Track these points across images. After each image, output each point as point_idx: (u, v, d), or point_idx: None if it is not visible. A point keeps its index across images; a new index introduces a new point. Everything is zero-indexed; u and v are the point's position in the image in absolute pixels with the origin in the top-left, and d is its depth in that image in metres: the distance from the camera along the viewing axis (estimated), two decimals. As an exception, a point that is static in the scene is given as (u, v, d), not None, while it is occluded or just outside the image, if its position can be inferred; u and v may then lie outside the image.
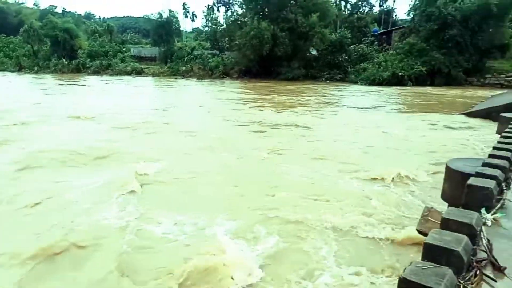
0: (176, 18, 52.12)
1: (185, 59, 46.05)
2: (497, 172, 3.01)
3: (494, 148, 3.99)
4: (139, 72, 46.45)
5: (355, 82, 34.43)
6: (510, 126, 5.28)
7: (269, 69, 39.56)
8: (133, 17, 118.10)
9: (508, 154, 3.70)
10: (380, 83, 32.21)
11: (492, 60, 34.27)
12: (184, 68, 44.34)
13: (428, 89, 29.33)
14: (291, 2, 38.79)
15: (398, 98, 24.17)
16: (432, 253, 1.80)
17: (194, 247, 4.86)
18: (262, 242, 5.04)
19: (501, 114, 8.81)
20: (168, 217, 5.75)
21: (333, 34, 40.55)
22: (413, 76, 31.98)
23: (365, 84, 32.86)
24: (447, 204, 4.23)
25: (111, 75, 45.64)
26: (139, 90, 29.88)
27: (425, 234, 2.48)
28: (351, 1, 72.96)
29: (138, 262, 4.59)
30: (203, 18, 50.82)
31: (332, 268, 4.48)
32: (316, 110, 17.98)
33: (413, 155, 9.68)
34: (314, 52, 39.77)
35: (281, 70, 38.29)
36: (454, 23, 31.23)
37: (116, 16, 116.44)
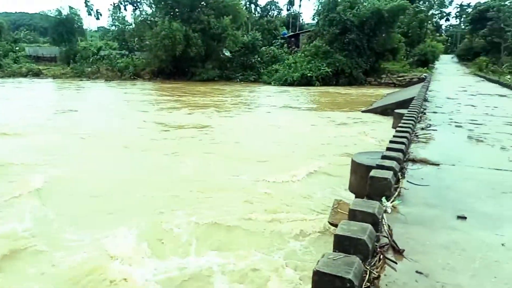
0: (78, 15, 48.30)
1: (91, 59, 42.94)
2: (393, 164, 3.35)
3: (391, 141, 4.43)
4: (36, 74, 41.96)
5: (269, 83, 35.58)
6: (402, 121, 5.92)
7: (183, 70, 38.90)
8: (27, 13, 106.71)
9: (402, 146, 4.15)
10: (291, 84, 33.76)
11: (386, 62, 38.25)
12: (89, 69, 41.30)
13: (334, 88, 31.62)
14: (202, 3, 38.63)
15: (307, 97, 25.59)
16: (342, 243, 1.93)
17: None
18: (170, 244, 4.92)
19: (395, 110, 9.90)
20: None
21: (245, 36, 41.40)
22: (320, 77, 34.12)
23: (277, 85, 34.14)
24: (354, 195, 4.60)
25: (1, 77, 40.50)
26: (36, 93, 26.99)
27: (336, 226, 2.65)
28: (260, 4, 75.21)
29: None
30: (109, 17, 47.84)
31: (245, 263, 4.55)
32: (229, 110, 18.16)
33: (321, 149, 10.32)
34: (227, 53, 40.13)
35: (195, 71, 37.94)
36: (352, 28, 34.14)
37: (6, 12, 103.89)
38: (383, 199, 2.81)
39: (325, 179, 7.73)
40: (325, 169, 8.24)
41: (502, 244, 2.19)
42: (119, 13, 45.27)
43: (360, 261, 1.75)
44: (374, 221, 2.22)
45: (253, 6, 69.85)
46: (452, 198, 3.01)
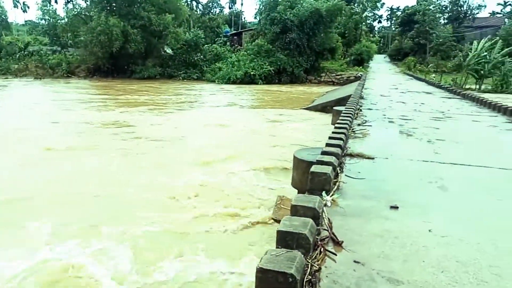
0: (2, 7, 44.27)
1: (17, 55, 39.69)
2: (332, 159, 3.49)
3: (330, 138, 4.61)
4: (-48, 71, 37.89)
5: (212, 81, 35.37)
6: (340, 118, 6.19)
7: (122, 68, 37.38)
8: None
9: (340, 142, 4.33)
10: (235, 82, 33.86)
11: (325, 61, 39.79)
12: (16, 66, 38.12)
13: (276, 87, 32.25)
14: (141, -2, 37.34)
15: (251, 96, 25.84)
16: (284, 239, 1.96)
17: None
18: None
19: (334, 107, 10.34)
20: None
21: (187, 33, 40.73)
22: (263, 75, 34.61)
23: (221, 83, 34.06)
24: (297, 191, 4.73)
25: None
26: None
27: (279, 222, 2.70)
28: (202, 2, 74.36)
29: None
30: (38, 10, 44.36)
31: (189, 262, 4.50)
32: (169, 109, 17.80)
33: (265, 146, 10.49)
34: (169, 51, 39.21)
35: (136, 69, 36.65)
36: (293, 27, 35.06)
37: None
38: (323, 193, 2.91)
39: (268, 175, 7.85)
40: (269, 165, 8.37)
41: (429, 230, 2.38)
42: (50, 6, 42.22)
43: (302, 255, 1.80)
44: (315, 215, 2.29)
45: (194, 3, 68.89)
46: (386, 189, 3.20)
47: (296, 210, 2.32)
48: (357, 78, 30.66)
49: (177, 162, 8.75)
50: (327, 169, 3.09)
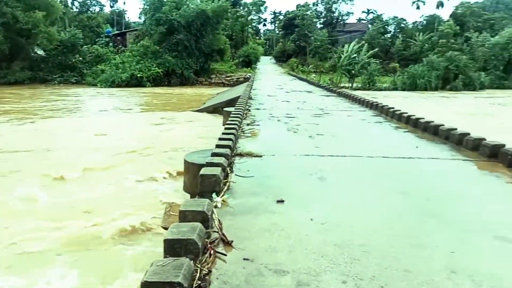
0: None
1: None
2: (222, 160, 3.53)
3: (220, 139, 4.66)
4: None
5: (94, 85, 32.75)
6: (229, 118, 6.32)
7: (-21, 73, 32.15)
8: None
9: (229, 143, 4.41)
10: (120, 85, 31.93)
11: (215, 62, 40.24)
12: None
13: (166, 89, 31.43)
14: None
15: (139, 99, 24.68)
16: (172, 247, 1.91)
17: None
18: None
19: (224, 108, 10.53)
20: None
21: (62, 33, 36.93)
22: (151, 77, 33.37)
23: (105, 86, 31.75)
24: (189, 195, 4.66)
25: None
26: None
27: (170, 229, 2.62)
28: (78, -1, 68.41)
29: None
30: None
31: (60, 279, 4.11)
32: (34, 117, 15.96)
33: (156, 151, 10.13)
34: (40, 52, 34.98)
35: (-1, 73, 31.84)
36: (180, 28, 34.57)
37: None
38: (213, 195, 2.93)
39: (159, 182, 7.60)
40: (159, 172, 8.09)
41: (311, 219, 2.57)
42: None
43: (190, 261, 1.77)
44: (204, 218, 2.28)
45: (69, 0, 62.89)
46: (273, 185, 3.37)
47: (184, 216, 2.28)
48: (246, 79, 31.71)
49: (33, 176, 7.80)
50: (217, 171, 3.11)
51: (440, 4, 68.52)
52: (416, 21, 67.93)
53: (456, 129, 5.22)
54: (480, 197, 3.19)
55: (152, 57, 34.70)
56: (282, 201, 2.91)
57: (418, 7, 72.51)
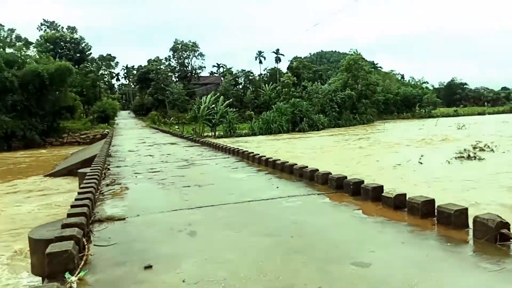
0: None
1: None
2: (75, 231, 3.08)
3: (72, 206, 4.11)
4: None
5: None
6: (84, 181, 5.69)
7: None
8: None
9: (84, 209, 3.92)
10: None
11: (65, 120, 36.77)
12: None
13: (7, 154, 27.05)
14: None
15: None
16: None
17: None
18: None
19: (79, 170, 9.52)
20: None
21: None
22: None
23: None
24: (41, 278, 3.91)
25: None
26: None
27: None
28: None
29: None
30: None
31: None
32: None
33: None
34: None
35: None
36: (14, 88, 30.74)
37: None
38: (66, 274, 2.50)
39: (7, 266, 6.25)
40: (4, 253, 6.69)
41: (183, 281, 2.41)
42: None
43: None
44: (54, 308, 1.90)
45: None
46: (139, 248, 3.08)
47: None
48: (103, 136, 29.78)
49: None
50: (68, 245, 2.68)
51: (278, 59, 79.09)
52: (261, 73, 76.06)
53: (307, 167, 5.81)
54: (335, 227, 3.54)
55: (-17, 119, 29.77)
56: (150, 267, 2.67)
57: (260, 61, 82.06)
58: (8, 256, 6.87)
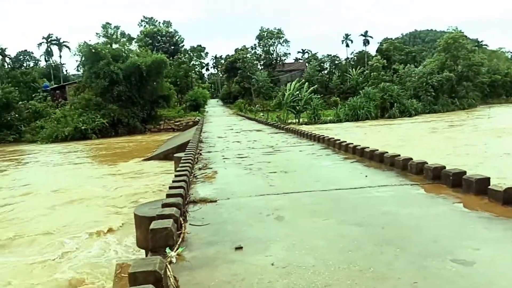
0: None
1: None
2: (173, 210, 3.35)
3: (170, 187, 4.47)
4: None
5: (34, 142, 30.94)
6: (180, 164, 6.14)
7: None
8: None
9: (181, 191, 4.23)
10: (64, 139, 30.49)
11: (162, 109, 39.96)
12: None
13: (114, 139, 30.43)
14: None
15: (85, 152, 23.59)
16: (122, 318, 1.71)
17: None
18: None
19: (175, 154, 10.30)
20: None
21: (-6, 90, 35.09)
22: (96, 129, 32.27)
23: (46, 142, 30.12)
24: (144, 251, 4.35)
25: None
26: None
27: (121, 294, 2.38)
28: (10, 55, 65.77)
29: None
30: None
31: None
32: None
33: (110, 207, 9.58)
34: (-30, 113, 32.74)
35: None
36: (119, 80, 34.25)
37: None
38: (167, 249, 2.73)
39: (114, 239, 7.11)
40: (114, 228, 7.61)
41: (272, 264, 2.47)
42: None
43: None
44: (157, 278, 2.09)
45: (0, 57, 60.36)
46: (229, 230, 3.24)
47: (135, 278, 2.07)
48: (195, 123, 31.68)
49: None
50: (168, 223, 2.93)
51: (366, 42, 75.10)
52: (348, 57, 73.22)
53: (399, 155, 5.46)
54: (431, 220, 3.28)
55: (96, 108, 33.81)
56: (240, 248, 2.79)
57: (347, 45, 78.76)
58: (116, 226, 7.76)
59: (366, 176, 5.18)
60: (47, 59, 72.35)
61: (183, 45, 65.39)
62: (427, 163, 4.74)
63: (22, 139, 32.42)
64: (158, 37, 60.12)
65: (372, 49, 76.23)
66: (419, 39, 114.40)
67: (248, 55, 62.73)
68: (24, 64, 72.63)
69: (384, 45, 65.15)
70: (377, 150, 6.23)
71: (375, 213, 3.51)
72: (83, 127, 31.55)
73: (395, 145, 17.17)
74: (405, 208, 3.64)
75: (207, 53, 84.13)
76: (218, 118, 33.45)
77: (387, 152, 5.86)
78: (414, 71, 46.81)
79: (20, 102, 36.57)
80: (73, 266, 5.96)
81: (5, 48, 62.17)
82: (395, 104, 37.59)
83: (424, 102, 42.15)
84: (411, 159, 5.13)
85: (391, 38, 72.65)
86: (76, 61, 38.56)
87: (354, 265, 2.37)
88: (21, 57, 75.48)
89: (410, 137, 20.92)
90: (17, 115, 34.66)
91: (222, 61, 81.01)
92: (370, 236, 2.90)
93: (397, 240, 2.78)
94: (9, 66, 63.13)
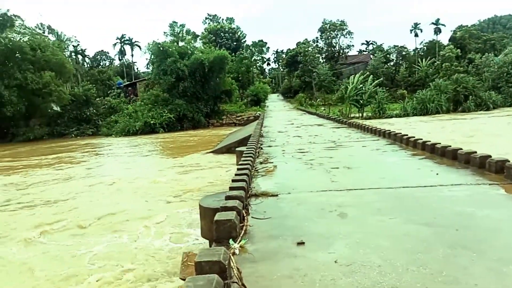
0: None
1: None
2: (236, 203, 3.42)
3: (233, 180, 4.58)
4: None
5: (109, 135, 33.57)
6: (242, 158, 6.26)
7: (1, 132, 33.58)
8: None
9: (243, 184, 4.32)
10: (135, 133, 32.64)
11: (224, 104, 41.05)
12: None
13: (179, 133, 31.93)
14: (17, 56, 34.33)
15: (154, 146, 25.05)
16: (189, 304, 1.78)
17: None
18: None
19: (236, 148, 10.53)
20: None
21: (75, 88, 38.60)
22: (164, 123, 34.07)
23: (119, 136, 32.50)
24: (208, 241, 4.52)
25: None
26: None
27: (187, 281, 2.48)
28: (88, 55, 71.64)
29: None
30: None
31: None
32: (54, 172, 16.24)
33: (178, 195, 10.08)
34: (56, 108, 36.33)
35: (18, 131, 33.11)
36: (185, 77, 35.70)
37: None
38: (231, 241, 2.80)
39: (181, 227, 7.48)
40: (183, 216, 8.00)
41: (335, 261, 2.42)
42: None
43: (209, 319, 1.64)
44: (222, 268, 2.16)
45: (80, 57, 66.05)
46: (291, 225, 3.23)
47: (201, 267, 2.15)
48: (256, 118, 32.07)
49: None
50: (232, 215, 3.00)
51: (437, 31, 69.81)
52: (416, 48, 68.92)
53: (475, 152, 5.04)
54: (513, 223, 2.99)
55: (163, 103, 35.69)
56: (302, 243, 2.77)
57: (416, 35, 73.85)
58: (182, 214, 8.15)
59: (437, 174, 4.86)
60: (120, 58, 77.87)
61: (245, 40, 66.38)
62: (508, 161, 4.32)
63: (99, 133, 35.33)
64: (221, 33, 61.66)
65: (444, 38, 70.99)
66: (499, 25, 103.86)
67: (309, 49, 61.87)
68: (101, 63, 78.84)
69: (458, 33, 60.33)
70: (449, 146, 5.81)
71: (447, 213, 3.28)
72: (152, 122, 33.49)
73: (469, 140, 15.88)
74: (482, 209, 3.35)
75: (268, 48, 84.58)
76: (278, 112, 33.50)
77: (461, 149, 5.44)
78: (494, 60, 42.76)
79: (98, 99, 39.84)
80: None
81: (85, 49, 68.19)
82: (470, 96, 34.69)
83: (505, 94, 38.39)
84: (490, 156, 4.70)
85: (467, 26, 67.00)
86: (146, 59, 41.05)
87: (424, 268, 2.24)
88: (98, 56, 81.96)
89: (485, 131, 19.21)
90: (95, 111, 37.82)
91: (283, 56, 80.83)
92: (441, 238, 2.72)
93: (473, 244, 2.57)
94: (88, 65, 69.02)
